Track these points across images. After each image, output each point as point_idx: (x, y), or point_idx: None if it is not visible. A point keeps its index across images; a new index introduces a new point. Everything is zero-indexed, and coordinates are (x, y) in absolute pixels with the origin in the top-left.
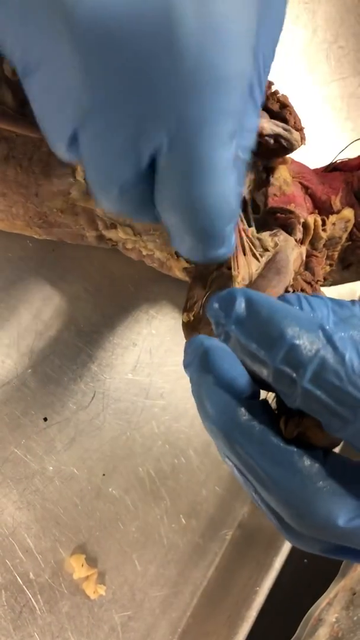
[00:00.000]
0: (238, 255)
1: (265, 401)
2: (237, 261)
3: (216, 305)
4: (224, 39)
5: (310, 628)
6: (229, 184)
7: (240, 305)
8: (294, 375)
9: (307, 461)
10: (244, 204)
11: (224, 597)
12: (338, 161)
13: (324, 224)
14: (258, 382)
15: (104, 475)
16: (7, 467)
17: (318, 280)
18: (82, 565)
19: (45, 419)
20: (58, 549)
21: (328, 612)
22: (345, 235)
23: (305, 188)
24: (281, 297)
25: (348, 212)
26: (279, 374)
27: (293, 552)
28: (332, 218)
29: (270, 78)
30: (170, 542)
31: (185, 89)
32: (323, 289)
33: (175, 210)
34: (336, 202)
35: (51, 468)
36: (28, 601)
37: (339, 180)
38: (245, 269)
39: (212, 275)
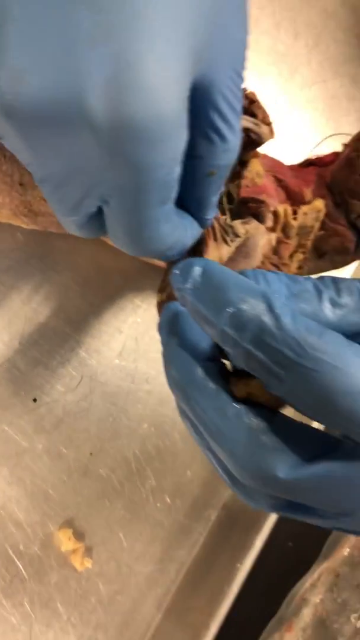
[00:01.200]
0: (209, 240)
1: (222, 364)
2: (207, 246)
3: (177, 272)
4: (136, 130)
5: (294, 607)
6: (160, 233)
7: (197, 272)
8: (236, 336)
9: (252, 418)
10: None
11: (207, 574)
12: (314, 157)
13: (295, 213)
14: (219, 347)
15: (91, 454)
16: None
17: (284, 264)
18: (70, 539)
19: (34, 400)
20: (47, 523)
21: (312, 593)
22: (317, 225)
23: (279, 180)
24: (242, 272)
25: (319, 203)
26: (224, 335)
27: (277, 534)
28: (304, 208)
29: (253, 81)
30: (156, 520)
31: (111, 167)
32: None
33: (120, 244)
34: (308, 194)
35: (40, 446)
36: (18, 572)
37: (312, 174)
38: (215, 252)
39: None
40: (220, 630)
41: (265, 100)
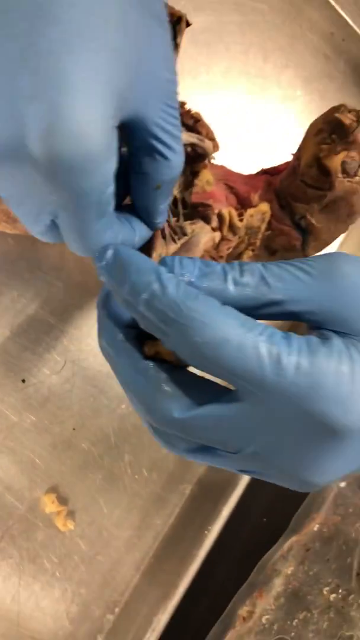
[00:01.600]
0: (157, 239)
1: (140, 330)
2: (155, 244)
3: (96, 254)
4: (67, 165)
5: (265, 576)
6: (104, 239)
7: (109, 254)
8: (134, 302)
9: (155, 371)
10: (174, 200)
11: (179, 541)
12: (269, 167)
13: (241, 215)
14: None
15: (73, 429)
16: None
17: (221, 256)
18: (53, 502)
19: (23, 381)
20: (34, 488)
21: (283, 564)
22: (263, 226)
23: (230, 188)
24: (161, 260)
25: (264, 206)
26: (126, 302)
27: (247, 508)
28: (250, 211)
29: (226, 100)
30: (134, 491)
31: (53, 192)
32: None
33: (72, 249)
34: (255, 198)
35: (28, 421)
36: (9, 528)
37: (260, 181)
38: (162, 249)
39: None
40: (190, 590)
41: (237, 116)
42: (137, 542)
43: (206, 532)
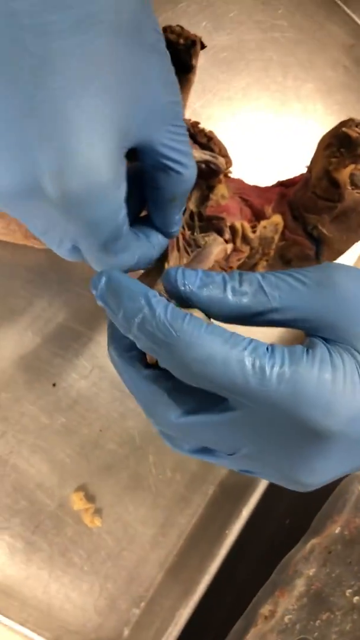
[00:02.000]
0: (172, 252)
1: None
2: (170, 256)
3: (92, 282)
4: (79, 200)
5: (287, 576)
6: (121, 258)
7: (102, 281)
8: (127, 326)
9: (155, 379)
10: (191, 214)
11: (202, 539)
12: (285, 179)
13: (254, 227)
14: None
15: (100, 431)
16: (24, 419)
17: (231, 267)
18: (81, 499)
19: (54, 385)
20: (63, 486)
21: (305, 565)
22: (277, 236)
23: (245, 200)
24: (166, 271)
25: (277, 217)
26: (122, 327)
27: (268, 509)
28: (263, 222)
29: (247, 115)
30: (158, 490)
31: (69, 224)
32: None
33: (94, 267)
34: (268, 210)
35: (58, 422)
36: (40, 523)
37: (274, 193)
38: (176, 261)
39: (155, 267)
40: (212, 587)
41: (258, 130)
42: (161, 540)
43: (227, 531)
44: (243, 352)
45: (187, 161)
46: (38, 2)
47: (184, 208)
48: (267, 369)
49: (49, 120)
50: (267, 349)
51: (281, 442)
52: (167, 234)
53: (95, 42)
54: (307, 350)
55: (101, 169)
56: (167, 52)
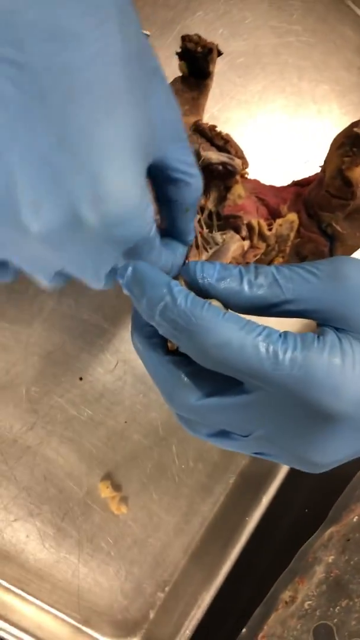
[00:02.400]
0: (191, 249)
1: None
2: (189, 254)
3: (118, 272)
4: (116, 222)
5: (306, 564)
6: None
7: (129, 271)
8: (150, 313)
9: (176, 364)
10: (209, 213)
11: (223, 526)
12: (301, 178)
13: (270, 225)
14: None
15: (125, 422)
16: (53, 412)
17: (247, 263)
18: (108, 488)
19: (80, 379)
20: (91, 475)
21: (324, 553)
22: (292, 234)
23: (261, 200)
24: (185, 265)
25: (292, 216)
26: (146, 313)
27: (287, 498)
28: (279, 220)
29: (263, 117)
30: (181, 480)
31: (108, 245)
32: None
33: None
34: (284, 209)
35: (85, 415)
36: (69, 510)
37: (290, 193)
38: (195, 258)
39: None
40: (233, 572)
41: (274, 132)
42: (184, 527)
43: (247, 519)
44: (258, 338)
45: (194, 171)
46: (55, 44)
47: (196, 216)
48: (280, 354)
49: (80, 150)
50: (280, 335)
51: (293, 423)
52: (185, 242)
53: (111, 72)
54: (318, 337)
55: (133, 190)
56: (164, 74)
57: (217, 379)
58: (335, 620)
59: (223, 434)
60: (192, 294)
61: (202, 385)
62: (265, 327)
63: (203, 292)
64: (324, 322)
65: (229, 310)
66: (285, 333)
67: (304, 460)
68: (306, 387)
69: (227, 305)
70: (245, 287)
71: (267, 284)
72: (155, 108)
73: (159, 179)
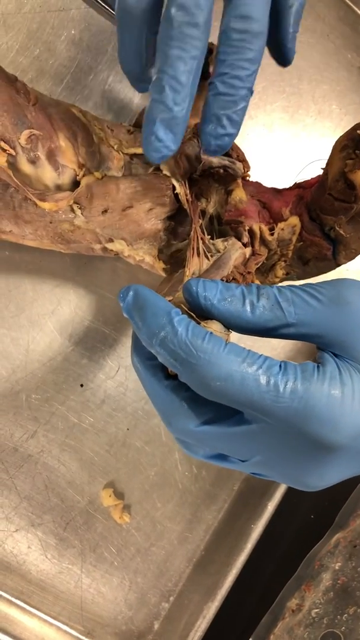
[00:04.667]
0: (192, 256)
1: None
2: (190, 261)
3: (120, 295)
4: None
5: (312, 570)
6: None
7: (130, 295)
8: (149, 341)
9: (175, 389)
10: (210, 218)
11: (228, 534)
12: (302, 180)
13: (272, 229)
14: None
15: (127, 429)
16: (53, 419)
17: (249, 272)
18: (110, 496)
19: (81, 385)
20: (93, 483)
21: (331, 559)
22: (294, 237)
23: (263, 203)
24: (187, 282)
25: (294, 219)
26: (145, 341)
27: (293, 505)
28: (281, 224)
29: (264, 118)
30: (185, 487)
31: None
32: (293, 282)
33: None
34: (286, 212)
35: (87, 422)
36: (71, 520)
37: (292, 195)
38: (197, 266)
39: (177, 273)
40: (239, 581)
41: (275, 133)
42: (189, 535)
43: (253, 526)
44: (259, 371)
45: None
46: None
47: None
48: (281, 386)
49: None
50: (281, 366)
51: (292, 452)
52: (286, 58)
53: None
54: (318, 367)
55: None
56: None
57: (216, 407)
58: (343, 628)
59: (221, 456)
60: (193, 323)
61: (201, 412)
62: (266, 359)
63: (204, 312)
64: (325, 347)
65: (230, 341)
66: (286, 364)
67: (299, 482)
68: (306, 419)
69: (227, 326)
70: (248, 309)
71: (269, 306)
72: None
73: None
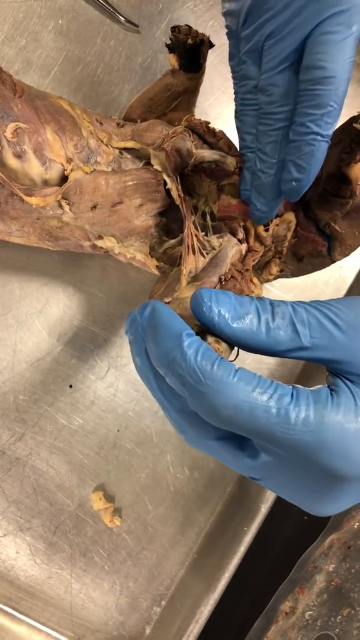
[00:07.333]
0: (187, 254)
1: None
2: (186, 259)
3: (139, 310)
4: None
5: (306, 573)
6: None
7: (147, 312)
8: (158, 363)
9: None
10: (203, 214)
11: (221, 536)
12: None
13: (266, 225)
14: None
15: (118, 431)
16: (42, 421)
17: (247, 269)
18: (100, 499)
19: (70, 386)
20: (82, 486)
21: (324, 561)
22: (289, 234)
23: None
24: (197, 293)
25: (289, 215)
26: (154, 361)
27: (286, 507)
28: (276, 220)
29: None
30: (177, 489)
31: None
32: (287, 279)
33: None
34: (280, 209)
35: (76, 424)
36: (60, 524)
37: None
38: (193, 264)
39: (172, 271)
40: (232, 584)
41: None
42: (180, 539)
43: (246, 528)
44: (269, 401)
45: None
46: None
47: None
48: (292, 416)
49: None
50: (292, 395)
51: (301, 479)
52: None
53: None
54: (332, 394)
55: None
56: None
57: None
58: (337, 630)
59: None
60: (204, 346)
61: (214, 428)
62: (277, 386)
63: (216, 330)
64: (339, 372)
65: (241, 367)
66: (298, 392)
67: (307, 508)
68: (317, 451)
69: (238, 346)
70: (263, 329)
71: (283, 327)
72: None
73: None
